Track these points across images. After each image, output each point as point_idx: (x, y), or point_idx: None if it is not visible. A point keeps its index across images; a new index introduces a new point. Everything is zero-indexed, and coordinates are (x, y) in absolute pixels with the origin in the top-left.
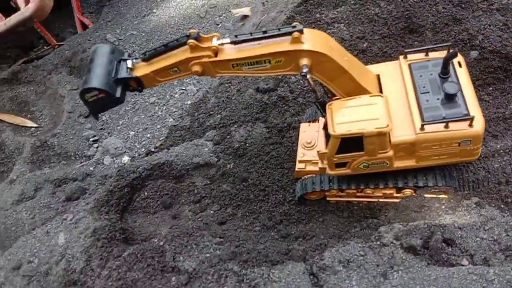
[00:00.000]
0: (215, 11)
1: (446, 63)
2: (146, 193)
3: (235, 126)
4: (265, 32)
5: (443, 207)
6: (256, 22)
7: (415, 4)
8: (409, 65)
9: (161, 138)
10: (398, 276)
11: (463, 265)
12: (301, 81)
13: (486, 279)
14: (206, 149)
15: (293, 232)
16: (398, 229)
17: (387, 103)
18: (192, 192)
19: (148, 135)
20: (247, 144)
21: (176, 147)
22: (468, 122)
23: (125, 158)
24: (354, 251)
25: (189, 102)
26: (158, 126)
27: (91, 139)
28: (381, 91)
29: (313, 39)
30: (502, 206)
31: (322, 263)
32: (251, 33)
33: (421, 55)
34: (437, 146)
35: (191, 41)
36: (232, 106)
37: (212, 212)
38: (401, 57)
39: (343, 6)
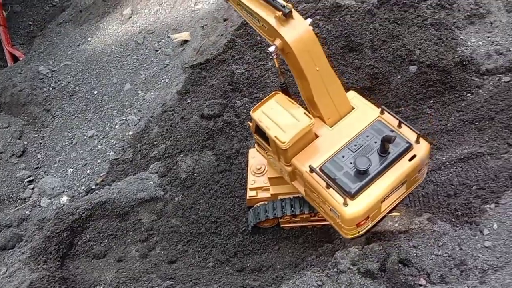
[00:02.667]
0: (153, 37)
1: (383, 143)
2: (88, 236)
3: (181, 155)
4: None
5: (396, 225)
6: (197, 47)
7: (352, 23)
8: (375, 120)
9: (102, 174)
10: None
11: (420, 285)
12: (246, 105)
13: None
14: (151, 182)
15: (248, 265)
16: (354, 254)
17: (310, 127)
18: (139, 230)
19: (88, 171)
20: (195, 174)
21: (118, 182)
22: (345, 199)
23: (64, 198)
24: (312, 282)
25: (130, 133)
26: (99, 161)
27: (26, 180)
28: (337, 121)
29: (295, 30)
30: (453, 220)
31: None
32: None
33: (395, 121)
34: (315, 195)
35: None
36: (177, 135)
37: (160, 250)
38: (378, 109)
39: None
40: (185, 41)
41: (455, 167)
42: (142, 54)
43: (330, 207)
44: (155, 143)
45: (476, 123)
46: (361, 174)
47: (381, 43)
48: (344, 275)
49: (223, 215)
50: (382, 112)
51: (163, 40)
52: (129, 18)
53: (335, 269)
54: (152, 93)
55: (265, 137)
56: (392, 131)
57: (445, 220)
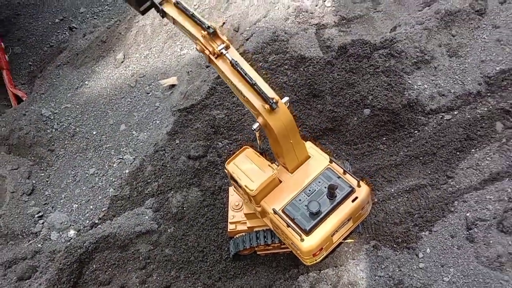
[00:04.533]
0: (144, 80)
1: (329, 190)
2: (94, 266)
3: (172, 192)
4: (254, 84)
5: (350, 250)
6: (183, 91)
7: (315, 72)
8: (325, 168)
9: (104, 209)
10: None
11: None
12: (227, 146)
13: None
14: (147, 217)
15: None
16: (312, 278)
17: (273, 177)
18: (137, 259)
19: (91, 206)
20: (184, 208)
21: (118, 217)
22: (301, 236)
23: (71, 232)
24: None
25: (127, 171)
26: (100, 197)
27: (36, 216)
28: (297, 168)
29: (280, 120)
30: (395, 246)
31: None
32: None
33: (340, 170)
34: (280, 232)
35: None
36: (168, 174)
37: (157, 277)
38: (328, 159)
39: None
40: (173, 85)
41: (401, 197)
42: (135, 96)
43: (291, 241)
44: (149, 181)
45: (421, 158)
46: (314, 214)
47: (339, 90)
48: None
49: (208, 245)
50: (330, 162)
51: (153, 84)
52: (122, 62)
53: None
54: (145, 134)
55: (238, 184)
56: (339, 177)
57: (388, 246)
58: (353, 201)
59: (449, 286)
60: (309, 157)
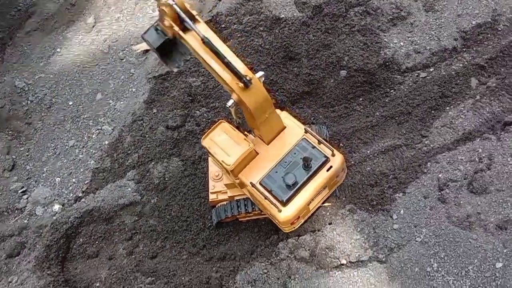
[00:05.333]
0: (118, 46)
1: (304, 162)
2: (81, 239)
3: (153, 163)
4: (224, 57)
5: (328, 214)
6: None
7: (290, 34)
8: (301, 139)
9: (86, 182)
10: (295, 283)
11: (342, 264)
12: (204, 114)
13: (354, 282)
14: (129, 189)
15: (215, 254)
16: (291, 244)
17: (249, 151)
18: (123, 230)
19: (74, 179)
20: (166, 179)
21: (101, 190)
22: (278, 207)
23: (56, 207)
24: (259, 271)
25: (106, 142)
26: (82, 170)
27: (19, 191)
28: (273, 139)
29: (254, 96)
30: (370, 208)
31: (235, 287)
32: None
33: (315, 140)
34: (259, 203)
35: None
36: (147, 144)
37: (143, 247)
38: (304, 128)
39: (231, 40)
40: (147, 51)
41: (377, 158)
42: (109, 63)
43: (269, 212)
44: (129, 152)
45: (396, 118)
46: (290, 186)
47: (315, 52)
48: (284, 262)
49: (192, 214)
50: (306, 131)
51: (126, 49)
52: (93, 26)
53: (278, 258)
54: (122, 102)
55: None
56: (314, 147)
57: (363, 209)
58: (328, 170)
59: (421, 246)
60: (285, 127)
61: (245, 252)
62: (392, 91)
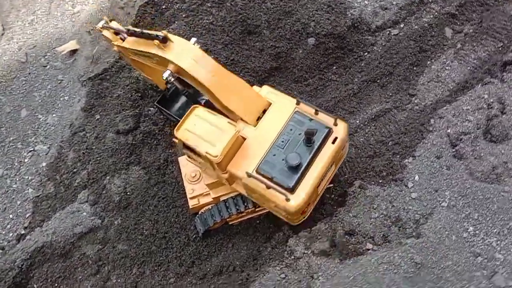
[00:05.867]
0: (37, 52)
1: (307, 137)
2: (35, 286)
3: (108, 177)
4: (141, 32)
5: (336, 197)
6: (89, 55)
7: (245, 6)
8: (293, 112)
9: (27, 215)
10: (320, 283)
11: (368, 249)
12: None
13: (394, 264)
14: (85, 213)
15: (209, 270)
16: (305, 238)
17: (237, 135)
18: (87, 264)
19: (11, 215)
20: (128, 193)
21: (49, 221)
22: (286, 196)
23: None
24: (275, 277)
25: (44, 164)
26: (19, 202)
27: None
28: (258, 119)
29: (178, 50)
30: (380, 181)
31: None
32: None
33: (311, 110)
34: (258, 196)
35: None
36: (96, 157)
37: (117, 279)
38: (294, 101)
39: (176, 22)
40: (74, 51)
41: (368, 127)
42: (29, 73)
43: (273, 204)
44: (75, 170)
45: (378, 81)
46: (295, 168)
47: (277, 22)
48: (302, 260)
49: (170, 229)
50: (298, 103)
51: (48, 54)
52: (2, 34)
53: (292, 257)
54: (54, 115)
55: (195, 152)
56: (311, 119)
57: (373, 183)
58: (333, 142)
59: (449, 211)
60: (269, 104)
61: (245, 259)
62: (366, 53)
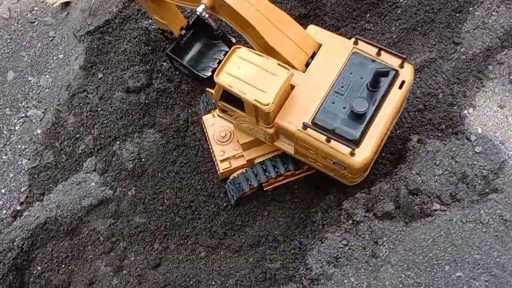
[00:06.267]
0: (22, 7)
1: (376, 78)
2: (39, 268)
3: (118, 143)
4: None
5: (385, 155)
6: (85, 7)
7: None
8: (351, 54)
9: (23, 189)
10: (386, 249)
11: (436, 210)
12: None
13: (482, 222)
14: (93, 183)
15: (244, 241)
16: (364, 199)
17: (290, 79)
18: (98, 241)
19: (3, 190)
20: (143, 160)
21: (50, 194)
22: (351, 149)
23: None
24: (336, 244)
25: (39, 132)
26: (11, 175)
27: None
28: (308, 64)
29: None
30: (439, 134)
31: (312, 274)
32: None
33: (372, 50)
34: (312, 152)
35: None
36: (103, 120)
37: (135, 257)
38: (351, 40)
39: None
40: (67, 3)
41: (414, 79)
42: (15, 30)
43: (334, 160)
44: (78, 135)
45: (419, 29)
46: (359, 116)
47: None
48: (362, 225)
49: (196, 197)
50: (356, 43)
51: (36, 8)
52: None
53: (351, 221)
54: (47, 76)
55: (236, 103)
56: (374, 60)
57: (432, 137)
58: (400, 87)
59: None
60: (320, 44)
61: (285, 228)
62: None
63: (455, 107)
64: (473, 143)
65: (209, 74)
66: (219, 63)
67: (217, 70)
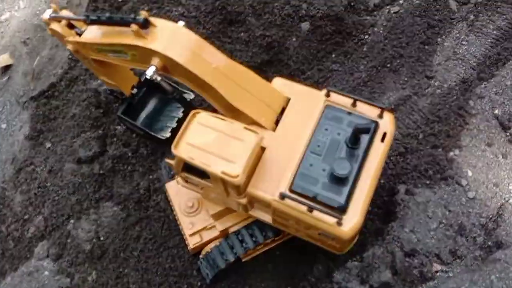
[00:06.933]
0: None
1: (355, 135)
2: None
3: (72, 221)
4: (109, 17)
5: (374, 210)
6: (27, 70)
7: None
8: (324, 107)
9: None
10: None
11: (437, 271)
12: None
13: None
14: (46, 272)
15: None
16: (357, 269)
17: (258, 145)
18: None
19: None
20: (102, 238)
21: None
22: (337, 218)
23: None
24: None
25: None
26: None
27: None
28: (277, 121)
29: (166, 36)
30: (428, 182)
31: None
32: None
33: (347, 101)
34: (293, 223)
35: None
36: (54, 196)
37: None
38: (322, 92)
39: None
40: (7, 67)
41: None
42: None
43: (319, 231)
44: (26, 217)
45: (388, 65)
46: (343, 179)
47: (263, 6)
48: None
49: (165, 278)
50: (327, 95)
51: None
52: None
53: None
54: None
55: (200, 174)
56: (350, 113)
57: (420, 185)
58: (382, 140)
59: None
60: (288, 99)
61: None
62: (367, 36)
63: (440, 149)
64: (464, 188)
65: (168, 135)
66: (178, 121)
67: (175, 141)
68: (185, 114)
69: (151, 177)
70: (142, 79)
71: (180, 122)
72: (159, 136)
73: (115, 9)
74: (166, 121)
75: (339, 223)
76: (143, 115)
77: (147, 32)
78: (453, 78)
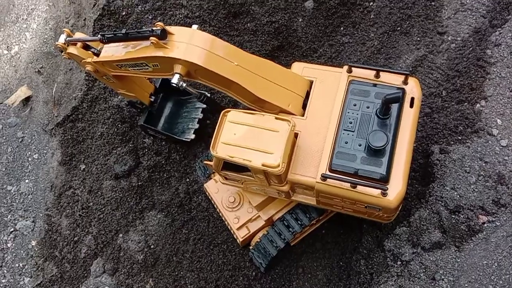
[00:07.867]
0: None
1: (386, 105)
2: None
3: (121, 235)
4: (126, 34)
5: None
6: (47, 97)
7: None
8: (348, 84)
9: None
10: (447, 284)
11: (483, 223)
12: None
13: None
14: (107, 287)
15: None
16: (406, 234)
17: (292, 133)
18: None
19: None
20: (152, 246)
21: None
22: (383, 189)
23: None
24: None
25: (34, 243)
26: None
27: None
28: (304, 106)
29: (184, 42)
30: (459, 138)
31: None
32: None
33: (369, 73)
34: (339, 200)
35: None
36: (99, 215)
37: None
38: (344, 69)
39: (143, 25)
40: (27, 99)
41: None
42: None
43: (366, 205)
44: (76, 238)
45: (399, 28)
46: (380, 150)
47: None
48: (413, 263)
49: (221, 274)
50: (349, 70)
51: None
52: None
53: (399, 263)
54: (27, 181)
55: (241, 169)
56: (375, 85)
57: (453, 142)
58: (411, 105)
59: None
60: (311, 81)
61: (325, 282)
62: (372, 3)
63: (465, 103)
64: (496, 137)
65: (192, 137)
66: (199, 122)
67: (212, 142)
68: (205, 113)
69: (188, 180)
70: (157, 85)
71: (200, 122)
72: (184, 139)
73: (120, 23)
74: (187, 123)
75: (384, 194)
76: (162, 120)
77: (166, 41)
78: (465, 30)
